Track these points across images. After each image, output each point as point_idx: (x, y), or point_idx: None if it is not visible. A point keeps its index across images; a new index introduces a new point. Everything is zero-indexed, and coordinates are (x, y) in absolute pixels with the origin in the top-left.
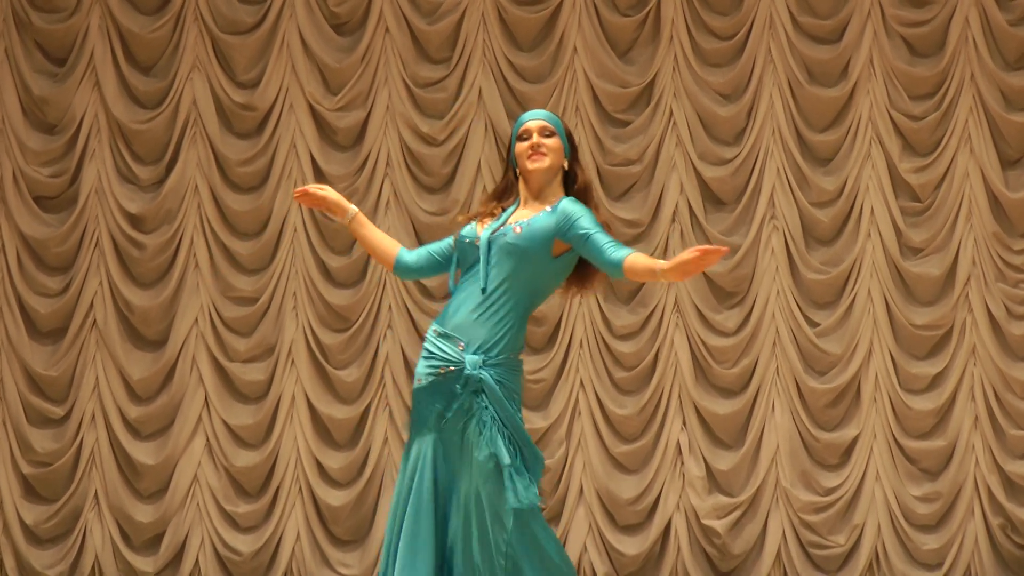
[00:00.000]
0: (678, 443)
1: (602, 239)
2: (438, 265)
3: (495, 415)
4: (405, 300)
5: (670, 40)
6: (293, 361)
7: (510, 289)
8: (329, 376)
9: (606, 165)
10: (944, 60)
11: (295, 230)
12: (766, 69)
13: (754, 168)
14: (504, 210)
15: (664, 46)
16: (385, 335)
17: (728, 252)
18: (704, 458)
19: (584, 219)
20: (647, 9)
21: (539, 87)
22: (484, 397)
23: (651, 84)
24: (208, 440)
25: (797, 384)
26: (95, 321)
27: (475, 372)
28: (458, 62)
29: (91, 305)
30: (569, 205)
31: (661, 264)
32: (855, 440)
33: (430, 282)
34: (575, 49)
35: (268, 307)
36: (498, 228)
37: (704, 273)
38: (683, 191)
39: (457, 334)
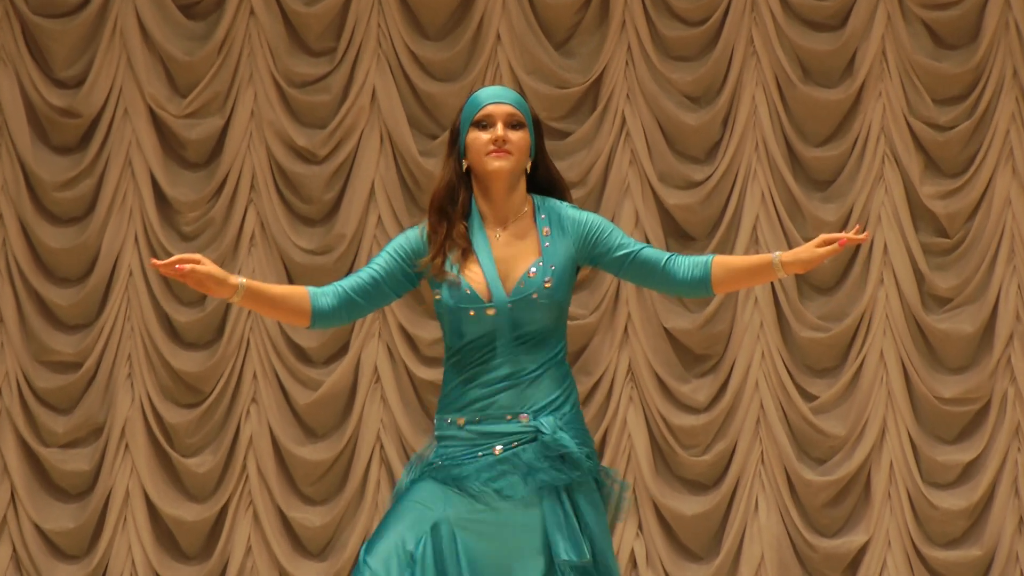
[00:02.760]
0: (632, 553)
1: (653, 254)
2: (358, 309)
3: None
4: (275, 365)
5: (622, 26)
6: (127, 446)
7: (548, 334)
8: (175, 465)
9: None
10: (978, 53)
11: (131, 273)
12: (747, 64)
13: (732, 193)
14: (467, 232)
15: (614, 34)
16: (248, 412)
17: (868, 239)
18: (666, 573)
19: (614, 233)
20: None
21: (451, 87)
22: (568, 470)
23: (597, 83)
24: (15, 550)
25: (788, 476)
26: None
27: (555, 435)
28: (345, 54)
29: None
30: (577, 215)
31: (779, 256)
32: (863, 549)
33: (308, 342)
34: (498, 37)
35: (95, 375)
36: (512, 286)
37: (666, 330)
38: (639, 222)
39: (505, 408)
